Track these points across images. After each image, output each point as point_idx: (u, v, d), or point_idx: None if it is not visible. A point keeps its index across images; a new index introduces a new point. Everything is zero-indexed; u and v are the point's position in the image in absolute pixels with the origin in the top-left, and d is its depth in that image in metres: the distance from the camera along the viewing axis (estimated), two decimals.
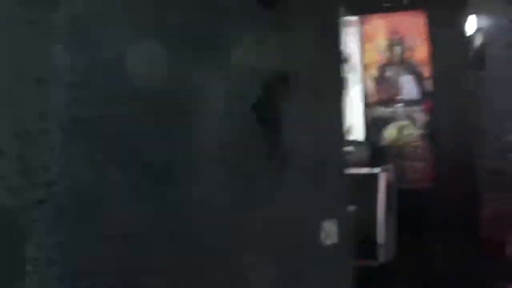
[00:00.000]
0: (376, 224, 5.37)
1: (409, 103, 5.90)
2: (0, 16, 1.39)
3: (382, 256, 5.37)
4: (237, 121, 2.09)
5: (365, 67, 6.04)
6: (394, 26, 5.93)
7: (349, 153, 5.65)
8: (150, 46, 1.75)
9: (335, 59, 2.91)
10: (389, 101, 5.97)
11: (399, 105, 5.93)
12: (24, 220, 1.40)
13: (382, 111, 5.99)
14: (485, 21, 5.49)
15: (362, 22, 6.04)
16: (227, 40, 2.07)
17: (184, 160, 1.88)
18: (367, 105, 6.05)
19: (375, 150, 5.74)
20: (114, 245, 1.61)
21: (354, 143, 5.81)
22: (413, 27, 5.88)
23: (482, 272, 4.55)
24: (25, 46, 1.43)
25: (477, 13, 5.52)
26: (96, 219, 1.58)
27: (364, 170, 5.39)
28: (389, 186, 5.51)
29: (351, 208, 3.90)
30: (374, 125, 6.03)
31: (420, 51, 5.85)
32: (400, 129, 5.92)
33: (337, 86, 2.92)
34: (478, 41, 5.47)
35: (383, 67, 5.98)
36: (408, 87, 5.89)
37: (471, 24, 5.57)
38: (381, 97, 6.01)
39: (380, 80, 5.99)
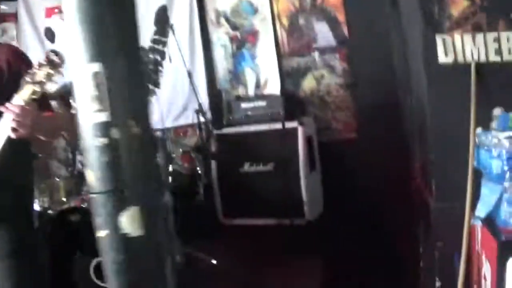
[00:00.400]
0: (300, 181, 5.05)
1: (325, 51, 5.56)
2: None
3: (308, 213, 5.06)
4: None
5: (277, 16, 5.66)
6: None
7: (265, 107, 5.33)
8: None
9: None
10: (304, 51, 5.62)
11: (315, 53, 5.59)
12: None
13: (297, 61, 5.64)
14: None
15: None
16: None
17: None
18: (282, 56, 5.69)
19: (291, 102, 5.40)
20: None
21: (269, 97, 5.46)
22: None
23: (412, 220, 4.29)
24: None
25: None
26: None
27: (281, 125, 5.05)
28: (309, 140, 5.19)
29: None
30: (290, 76, 5.68)
31: None
32: (318, 79, 5.59)
33: None
34: None
35: (295, 15, 5.61)
36: (323, 34, 5.55)
37: None
38: (295, 47, 5.65)
39: (293, 29, 5.63)
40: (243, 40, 5.84)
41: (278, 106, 5.25)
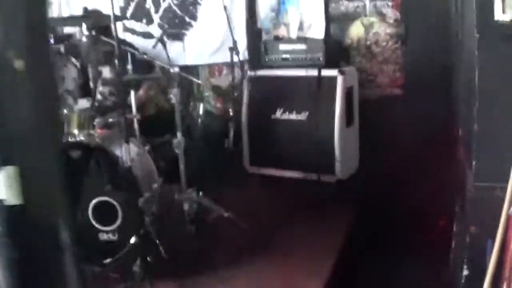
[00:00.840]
0: (334, 136, 4.67)
1: None
2: None
3: (339, 171, 4.70)
4: None
5: None
6: None
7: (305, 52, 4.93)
8: None
9: None
10: None
11: None
12: None
13: (346, 5, 5.16)
14: None
15: None
16: None
17: None
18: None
19: (334, 49, 4.95)
20: None
21: (310, 40, 5.02)
22: None
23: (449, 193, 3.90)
24: None
25: None
26: None
27: (319, 72, 4.63)
28: (349, 92, 4.78)
29: None
30: (336, 21, 5.22)
31: None
32: (367, 27, 5.12)
33: None
34: None
35: None
36: None
37: None
38: None
39: None
40: None
41: (319, 51, 4.81)
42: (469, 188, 2.75)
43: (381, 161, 4.90)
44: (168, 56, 4.57)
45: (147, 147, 3.88)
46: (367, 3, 5.08)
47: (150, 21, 5.81)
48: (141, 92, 4.69)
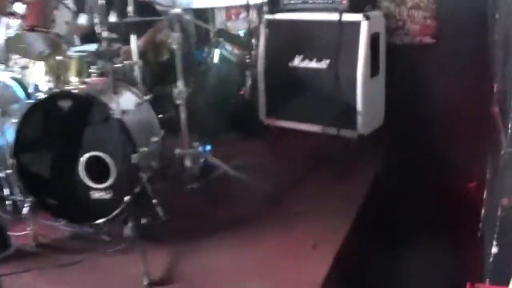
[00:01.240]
0: (356, 86, 4.27)
1: None
2: None
3: (361, 126, 4.32)
4: None
5: None
6: None
7: None
8: None
9: None
10: None
11: None
12: None
13: None
14: None
15: None
16: None
17: None
18: None
19: None
20: None
21: None
22: None
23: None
24: None
25: None
26: None
27: (341, 17, 4.20)
28: (374, 39, 4.34)
29: None
30: None
31: None
32: None
33: None
34: None
35: None
36: None
37: None
38: None
39: None
40: None
41: None
42: (503, 154, 2.36)
43: (409, 117, 4.54)
44: None
45: (148, 97, 3.54)
46: None
47: None
48: (145, 37, 4.34)
